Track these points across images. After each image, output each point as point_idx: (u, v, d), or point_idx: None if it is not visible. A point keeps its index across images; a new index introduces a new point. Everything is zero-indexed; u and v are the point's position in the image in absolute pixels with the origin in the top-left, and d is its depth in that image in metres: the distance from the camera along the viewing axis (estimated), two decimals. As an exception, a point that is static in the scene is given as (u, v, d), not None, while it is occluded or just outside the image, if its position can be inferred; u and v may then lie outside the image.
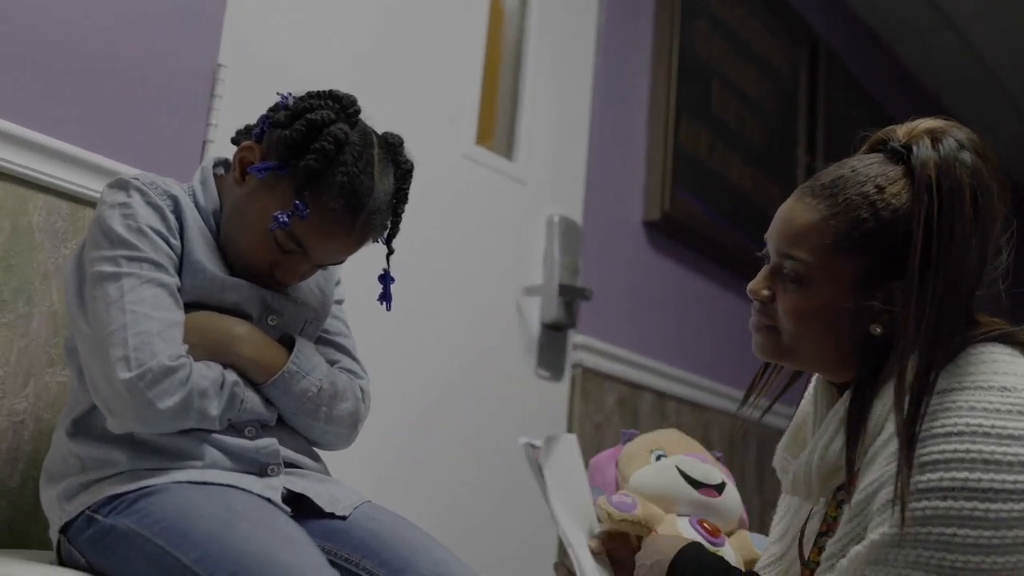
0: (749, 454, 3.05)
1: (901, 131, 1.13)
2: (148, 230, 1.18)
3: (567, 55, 2.52)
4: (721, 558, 1.14)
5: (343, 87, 1.30)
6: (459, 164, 2.20)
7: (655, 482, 1.23)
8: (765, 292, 1.13)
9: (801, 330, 1.10)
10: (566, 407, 2.41)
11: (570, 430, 2.40)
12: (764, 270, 1.14)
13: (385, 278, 1.30)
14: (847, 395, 1.09)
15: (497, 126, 2.38)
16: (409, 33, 2.11)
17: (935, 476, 0.95)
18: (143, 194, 1.21)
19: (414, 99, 2.10)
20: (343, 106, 1.24)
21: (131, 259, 1.16)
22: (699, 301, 2.97)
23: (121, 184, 1.22)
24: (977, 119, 5.06)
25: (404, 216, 1.30)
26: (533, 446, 1.13)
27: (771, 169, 3.30)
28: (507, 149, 2.37)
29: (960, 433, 0.96)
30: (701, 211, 2.87)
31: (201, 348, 1.18)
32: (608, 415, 2.50)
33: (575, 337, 2.43)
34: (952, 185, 1.04)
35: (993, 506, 0.93)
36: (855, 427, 1.05)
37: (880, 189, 1.08)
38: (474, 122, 2.25)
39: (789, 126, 3.44)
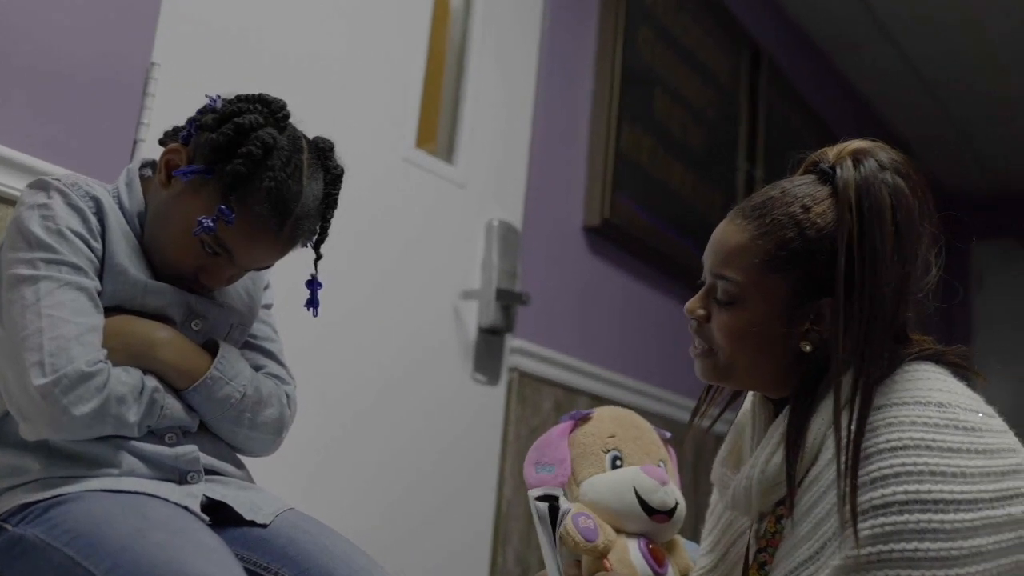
0: (684, 459, 3.07)
1: (832, 152, 1.15)
2: (68, 232, 1.16)
3: (510, 58, 2.53)
4: None
5: (281, 89, 1.28)
6: (399, 167, 2.19)
7: (610, 500, 1.23)
8: (700, 311, 1.15)
9: (735, 348, 1.12)
10: (502, 411, 2.42)
11: (506, 434, 2.41)
12: (701, 291, 1.16)
13: (312, 284, 1.30)
14: (787, 410, 1.11)
15: (439, 129, 2.38)
16: (350, 33, 2.10)
17: (887, 491, 0.96)
18: (64, 195, 1.18)
19: (355, 100, 2.08)
20: (272, 110, 1.23)
21: (49, 262, 1.14)
22: (638, 306, 2.99)
23: (41, 185, 1.20)
24: (913, 131, 5.16)
25: (342, 218, 1.30)
26: (546, 499, 1.13)
27: (712, 176, 3.33)
28: (448, 153, 2.37)
29: (905, 447, 0.98)
30: (641, 217, 2.90)
31: (121, 353, 1.16)
32: (544, 419, 2.50)
33: (512, 341, 2.43)
34: (872, 204, 1.07)
35: (947, 516, 0.95)
36: (794, 442, 1.07)
37: (806, 209, 1.10)
38: (415, 125, 2.24)
39: (730, 134, 3.48)
